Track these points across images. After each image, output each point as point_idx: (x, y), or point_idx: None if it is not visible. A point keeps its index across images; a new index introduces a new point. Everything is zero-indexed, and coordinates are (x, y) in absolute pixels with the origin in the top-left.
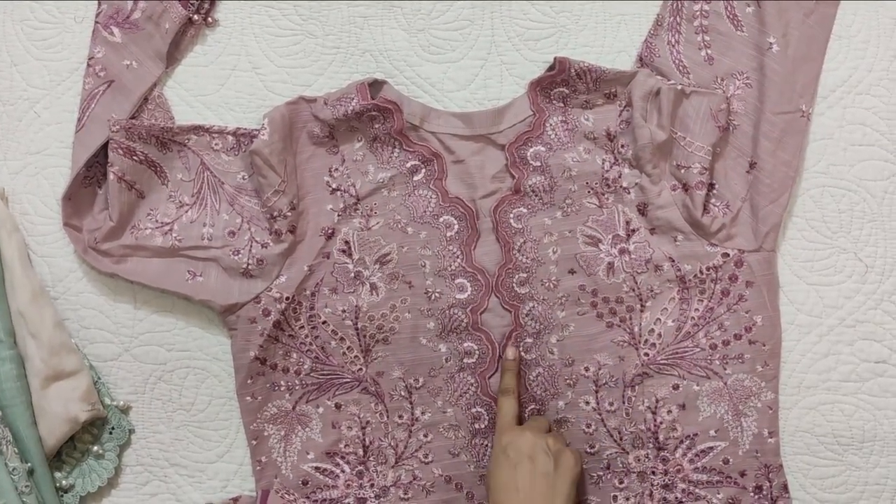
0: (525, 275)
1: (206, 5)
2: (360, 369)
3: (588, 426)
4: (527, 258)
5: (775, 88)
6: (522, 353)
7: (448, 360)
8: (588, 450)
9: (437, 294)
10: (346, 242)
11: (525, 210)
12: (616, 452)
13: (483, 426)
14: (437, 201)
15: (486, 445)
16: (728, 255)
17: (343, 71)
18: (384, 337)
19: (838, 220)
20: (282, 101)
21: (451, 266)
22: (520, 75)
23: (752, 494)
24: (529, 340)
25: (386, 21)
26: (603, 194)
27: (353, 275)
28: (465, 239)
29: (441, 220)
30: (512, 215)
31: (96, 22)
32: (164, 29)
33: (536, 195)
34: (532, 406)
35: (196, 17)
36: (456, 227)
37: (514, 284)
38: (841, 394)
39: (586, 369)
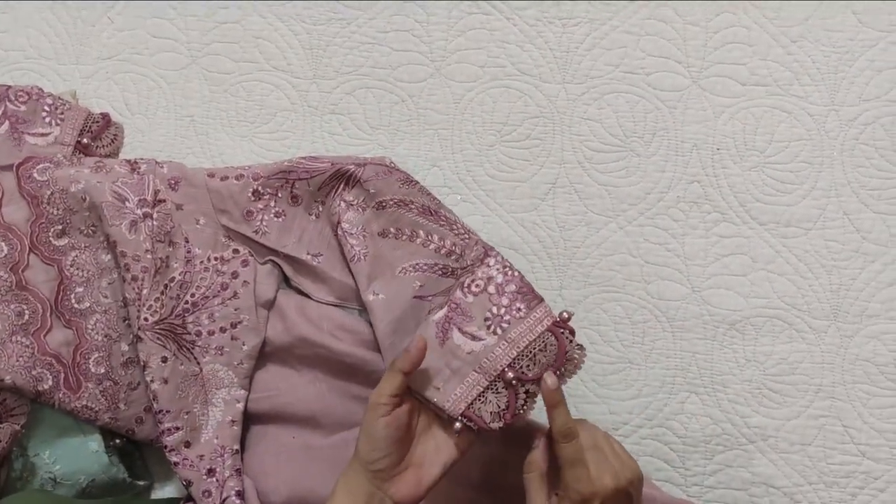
0: (61, 227)
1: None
2: None
3: None
4: (58, 209)
5: None
6: (76, 304)
7: None
8: None
9: None
10: None
11: (50, 164)
12: None
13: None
14: None
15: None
16: (238, 251)
17: None
18: None
19: None
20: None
21: None
22: None
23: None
24: (80, 290)
25: None
26: (136, 162)
27: None
28: None
29: None
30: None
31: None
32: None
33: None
34: (97, 354)
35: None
36: None
37: (50, 238)
38: None
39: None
